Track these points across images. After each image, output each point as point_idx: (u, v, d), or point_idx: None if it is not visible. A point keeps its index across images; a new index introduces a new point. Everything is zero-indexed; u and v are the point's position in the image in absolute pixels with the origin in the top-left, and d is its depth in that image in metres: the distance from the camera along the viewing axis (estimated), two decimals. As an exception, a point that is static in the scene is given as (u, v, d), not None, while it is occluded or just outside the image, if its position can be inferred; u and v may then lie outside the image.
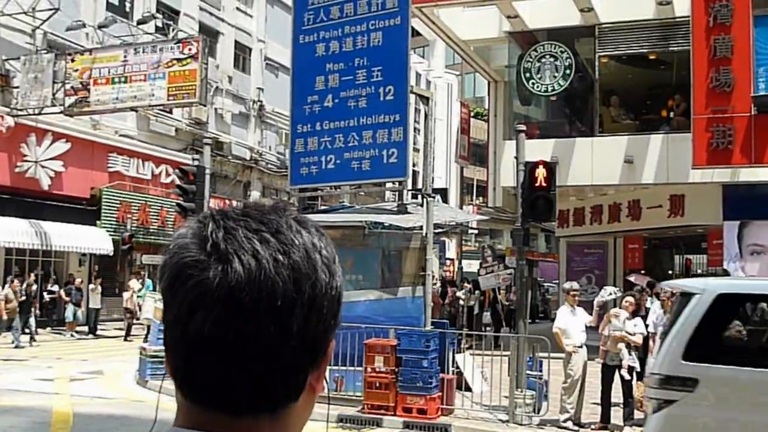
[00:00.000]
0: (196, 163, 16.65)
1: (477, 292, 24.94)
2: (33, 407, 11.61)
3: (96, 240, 27.89)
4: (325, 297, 0.98)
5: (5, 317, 20.06)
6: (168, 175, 32.10)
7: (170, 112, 31.71)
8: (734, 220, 17.97)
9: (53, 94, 25.48)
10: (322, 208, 15.91)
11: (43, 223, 26.16)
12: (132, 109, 26.01)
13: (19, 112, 25.78)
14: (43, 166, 26.92)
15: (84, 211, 28.05)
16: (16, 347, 19.72)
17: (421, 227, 11.85)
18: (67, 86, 25.46)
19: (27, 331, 21.16)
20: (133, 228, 28.59)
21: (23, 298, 21.75)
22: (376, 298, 12.05)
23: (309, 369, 0.98)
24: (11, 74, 26.39)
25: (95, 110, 25.72)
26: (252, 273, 0.90)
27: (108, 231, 28.53)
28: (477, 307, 25.48)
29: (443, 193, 13.96)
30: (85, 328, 25.36)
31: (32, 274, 24.81)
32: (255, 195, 37.37)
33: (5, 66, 26.33)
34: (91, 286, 25.72)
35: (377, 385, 10.97)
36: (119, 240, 27.78)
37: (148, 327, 16.36)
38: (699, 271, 20.76)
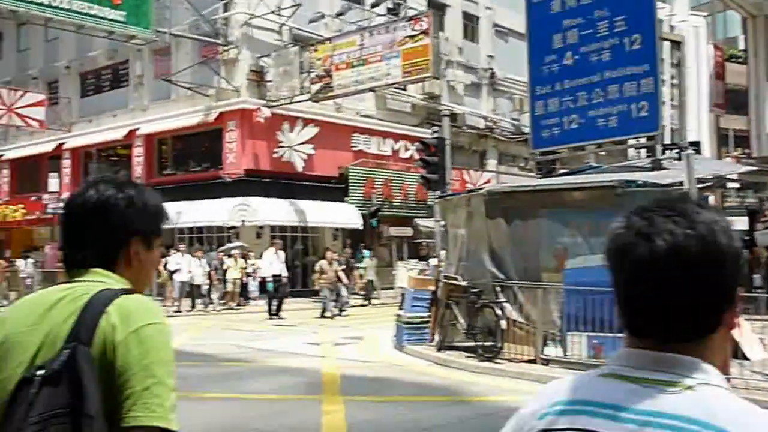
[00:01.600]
0: (435, 135, 16.42)
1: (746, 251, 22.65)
2: (305, 368, 12.05)
3: (346, 215, 28.88)
4: (728, 255, 1.25)
5: (320, 285, 20.93)
6: (406, 150, 32.56)
7: (404, 89, 31.96)
8: None
9: (301, 84, 26.59)
10: (561, 171, 15.05)
11: (299, 202, 27.49)
12: (370, 89, 26.48)
13: (273, 103, 27.20)
14: (296, 150, 28.28)
15: (333, 189, 29.13)
16: (325, 316, 20.46)
17: (681, 183, 10.71)
18: (312, 75, 26.45)
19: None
20: (378, 202, 29.22)
21: (343, 267, 22.14)
22: (631, 260, 11.11)
23: (724, 309, 1.27)
24: (264, 70, 27.84)
25: (338, 94, 26.50)
26: (670, 245, 1.23)
27: (356, 206, 29.41)
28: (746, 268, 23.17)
29: (696, 146, 12.61)
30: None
31: (346, 249, 25.67)
32: (492, 163, 36.89)
33: (259, 63, 27.83)
34: (368, 260, 26.24)
35: (640, 350, 10.14)
36: (366, 214, 28.53)
37: (402, 295, 16.45)
38: None
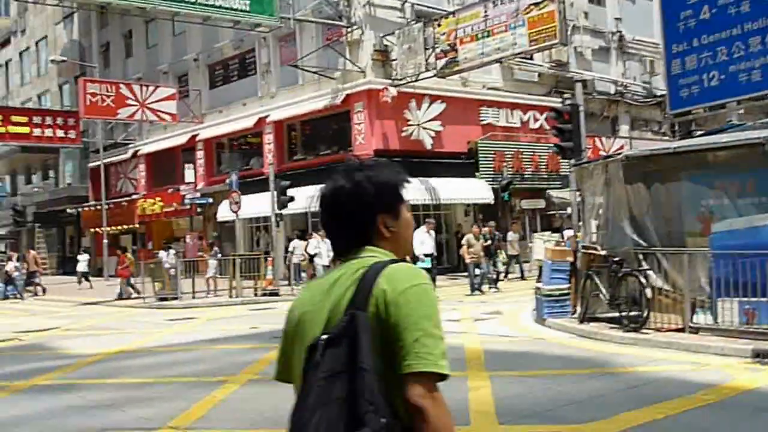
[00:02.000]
0: (568, 102, 16.16)
1: None
2: (448, 345, 12.17)
3: (477, 190, 28.85)
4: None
5: (468, 260, 20.95)
6: (536, 120, 32.11)
7: (531, 58, 31.46)
8: None
9: (426, 60, 26.69)
10: (699, 133, 14.47)
11: (430, 180, 27.69)
12: (497, 60, 26.24)
13: (399, 82, 27.44)
14: (424, 128, 28.46)
15: (463, 164, 29.14)
16: (481, 290, 20.76)
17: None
18: (437, 50, 26.49)
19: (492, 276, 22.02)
20: (509, 175, 28.98)
21: (488, 242, 21.97)
22: (785, 220, 10.61)
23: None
24: (389, 49, 28.13)
25: (464, 68, 26.42)
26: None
27: (486, 180, 29.32)
28: None
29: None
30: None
31: (490, 223, 25.00)
32: (624, 129, 35.78)
33: (383, 42, 28.14)
34: (511, 234, 25.88)
35: (799, 315, 9.70)
36: (498, 188, 28.39)
37: (540, 267, 16.36)
38: None
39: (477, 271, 20.72)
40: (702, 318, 11.22)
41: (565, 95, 21.07)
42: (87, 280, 32.10)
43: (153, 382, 10.11)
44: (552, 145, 31.40)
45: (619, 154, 12.77)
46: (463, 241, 21.09)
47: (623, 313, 11.96)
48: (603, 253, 12.70)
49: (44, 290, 29.90)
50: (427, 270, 20.68)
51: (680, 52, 12.94)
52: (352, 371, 1.87)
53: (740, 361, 9.69)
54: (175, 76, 38.03)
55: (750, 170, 11.03)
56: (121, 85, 35.60)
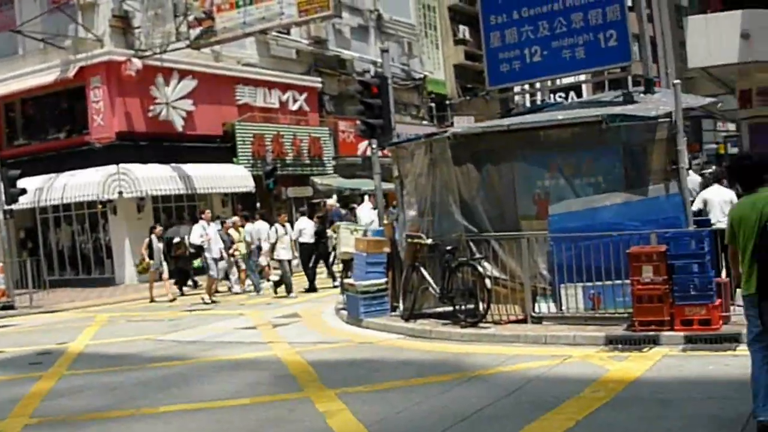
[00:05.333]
0: (374, 75, 15.73)
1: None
2: (259, 359, 11.21)
3: (236, 178, 27.74)
4: None
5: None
6: (295, 100, 31.63)
7: (289, 33, 30.92)
8: None
9: (177, 29, 24.99)
10: (515, 112, 14.80)
11: (183, 166, 26.11)
12: (262, 31, 25.29)
13: (144, 53, 25.45)
14: (174, 107, 26.75)
15: (219, 149, 27.91)
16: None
17: (667, 115, 10.60)
18: (190, 18, 24.91)
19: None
20: (271, 161, 28.17)
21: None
22: (623, 200, 10.92)
23: None
24: (130, 15, 25.98)
25: (222, 39, 25.14)
26: None
27: (246, 167, 28.32)
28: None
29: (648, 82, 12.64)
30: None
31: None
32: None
33: (123, 7, 25.91)
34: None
35: (648, 298, 10.01)
36: (261, 175, 27.50)
37: (345, 261, 15.83)
38: None
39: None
40: (545, 306, 11.31)
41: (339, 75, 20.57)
42: None
43: None
44: (314, 128, 31.41)
45: (445, 131, 12.55)
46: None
47: (458, 307, 11.77)
48: (430, 242, 12.43)
49: None
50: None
51: (500, 23, 12.97)
52: None
53: (597, 349, 9.81)
54: None
55: (587, 149, 11.27)
56: None
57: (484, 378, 8.95)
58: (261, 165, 28.05)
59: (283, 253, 18.67)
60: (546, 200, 11.55)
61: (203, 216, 20.14)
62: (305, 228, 19.35)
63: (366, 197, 17.94)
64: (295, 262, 19.48)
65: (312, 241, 19.09)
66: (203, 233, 19.37)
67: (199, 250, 19.80)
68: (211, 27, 24.60)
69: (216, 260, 19.28)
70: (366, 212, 17.54)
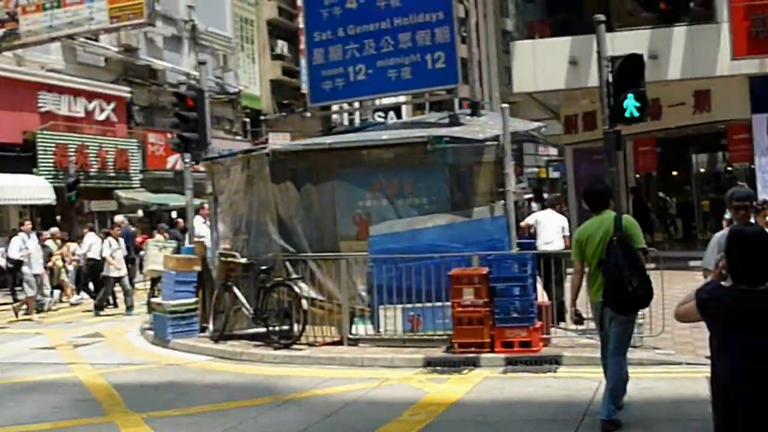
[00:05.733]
0: (189, 88, 15.05)
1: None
2: (59, 381, 10.32)
3: (35, 189, 25.84)
4: None
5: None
6: (102, 110, 30.04)
7: (97, 39, 29.39)
8: (763, 113, 17.63)
9: (-26, 29, 23.04)
10: (336, 130, 14.61)
11: (-23, 177, 24.01)
12: (69, 36, 23.79)
13: (-63, 53, 23.26)
14: (-32, 112, 24.57)
15: (19, 158, 25.88)
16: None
17: (494, 138, 10.75)
18: (-8, 18, 23.05)
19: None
20: (75, 173, 26.47)
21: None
22: (447, 222, 10.94)
23: None
24: None
25: (27, 42, 23.39)
26: None
27: (47, 178, 26.48)
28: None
29: (474, 105, 12.89)
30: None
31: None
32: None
33: None
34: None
35: (468, 320, 10.02)
36: (63, 187, 25.79)
37: (153, 279, 14.92)
38: (722, 169, 20.55)
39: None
40: (362, 328, 11.12)
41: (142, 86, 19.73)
42: None
43: None
44: (122, 139, 29.89)
45: (264, 147, 12.15)
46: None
47: (272, 328, 11.35)
48: (244, 261, 11.95)
49: None
50: None
51: (324, 40, 12.74)
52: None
53: (416, 372, 9.73)
54: None
55: (411, 170, 11.24)
56: None
57: (298, 402, 8.64)
58: (63, 177, 26.29)
59: (113, 270, 17.40)
60: (367, 221, 11.42)
61: (22, 228, 18.41)
62: (94, 244, 18.25)
63: (199, 210, 16.85)
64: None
65: (99, 258, 17.90)
66: (23, 246, 17.64)
67: (18, 264, 18.01)
68: (15, 29, 22.86)
69: (37, 276, 17.64)
70: (200, 225, 16.62)
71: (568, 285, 10.50)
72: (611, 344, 6.89)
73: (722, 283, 3.56)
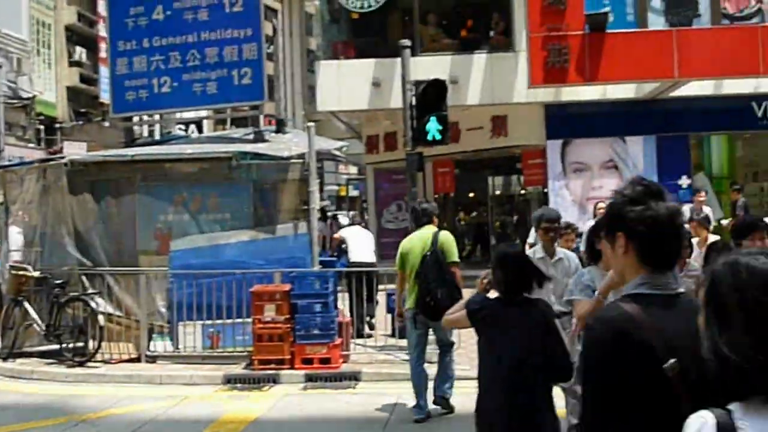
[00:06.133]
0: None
1: None
2: None
3: None
4: None
5: None
6: None
7: None
8: (557, 139, 18.91)
9: None
10: (140, 141, 14.32)
11: None
12: None
13: None
14: None
15: None
16: None
17: (299, 156, 10.95)
18: None
19: None
20: None
21: None
22: (250, 238, 10.98)
23: None
24: None
25: None
26: None
27: None
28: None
29: (280, 122, 13.07)
30: None
31: None
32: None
33: None
34: None
35: (269, 337, 10.11)
36: None
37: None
38: (517, 192, 21.79)
39: None
40: (161, 345, 10.95)
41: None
42: None
43: None
44: None
45: (62, 157, 11.70)
46: None
47: (65, 345, 10.94)
48: (37, 274, 11.45)
49: None
50: None
51: (128, 50, 12.44)
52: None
53: (216, 389, 9.74)
54: None
55: (215, 185, 11.24)
56: None
57: (94, 422, 8.42)
58: None
59: None
60: (168, 235, 11.29)
61: None
62: None
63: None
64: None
65: None
66: None
67: None
68: None
69: None
70: (15, 236, 15.26)
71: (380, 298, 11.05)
72: (419, 348, 7.90)
73: (487, 295, 4.42)
